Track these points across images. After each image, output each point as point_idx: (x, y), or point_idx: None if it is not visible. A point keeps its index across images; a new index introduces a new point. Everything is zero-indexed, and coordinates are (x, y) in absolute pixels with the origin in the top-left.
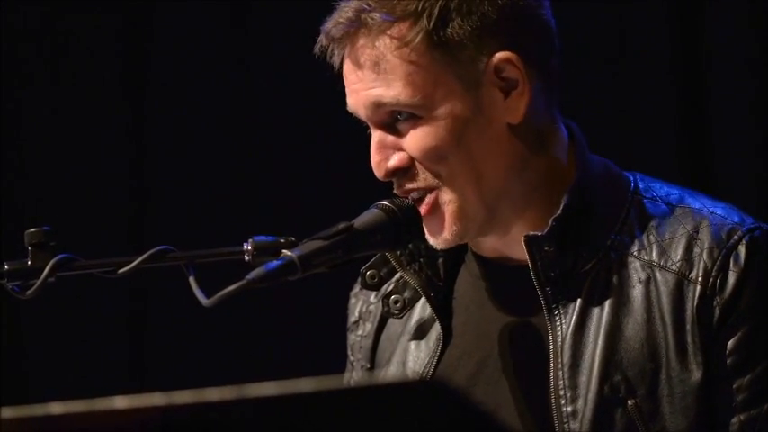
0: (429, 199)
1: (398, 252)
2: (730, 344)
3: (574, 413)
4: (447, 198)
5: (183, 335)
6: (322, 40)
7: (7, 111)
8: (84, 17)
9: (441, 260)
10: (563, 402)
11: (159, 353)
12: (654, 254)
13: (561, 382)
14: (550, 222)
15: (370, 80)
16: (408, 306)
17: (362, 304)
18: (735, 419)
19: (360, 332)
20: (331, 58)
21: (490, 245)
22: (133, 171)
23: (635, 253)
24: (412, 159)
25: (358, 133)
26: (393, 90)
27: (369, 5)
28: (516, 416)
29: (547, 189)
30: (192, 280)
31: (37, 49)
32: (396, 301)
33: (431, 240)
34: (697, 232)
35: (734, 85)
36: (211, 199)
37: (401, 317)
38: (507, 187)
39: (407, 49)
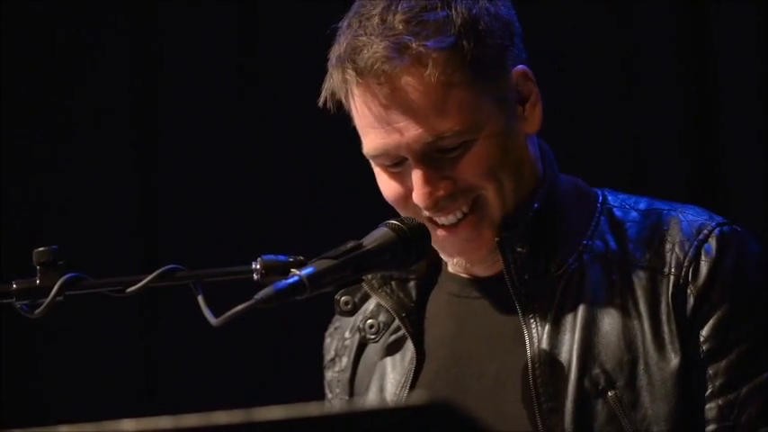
0: (470, 219)
1: (370, 276)
2: (705, 331)
3: (555, 408)
4: (490, 215)
5: (191, 355)
6: (348, 74)
7: (17, 130)
8: (93, 42)
9: (412, 283)
10: (543, 399)
11: (167, 374)
12: (626, 253)
13: (540, 380)
14: (522, 223)
15: (422, 115)
16: (383, 329)
17: (338, 342)
18: (712, 404)
19: (337, 368)
20: (348, 96)
21: None
22: (142, 189)
23: (607, 255)
24: (455, 184)
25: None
26: (448, 122)
27: (407, 36)
28: (498, 419)
29: (527, 200)
30: (200, 299)
31: (46, 67)
32: (371, 326)
33: (457, 259)
34: (668, 230)
35: (743, 97)
36: (220, 217)
37: (377, 341)
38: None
39: (455, 77)
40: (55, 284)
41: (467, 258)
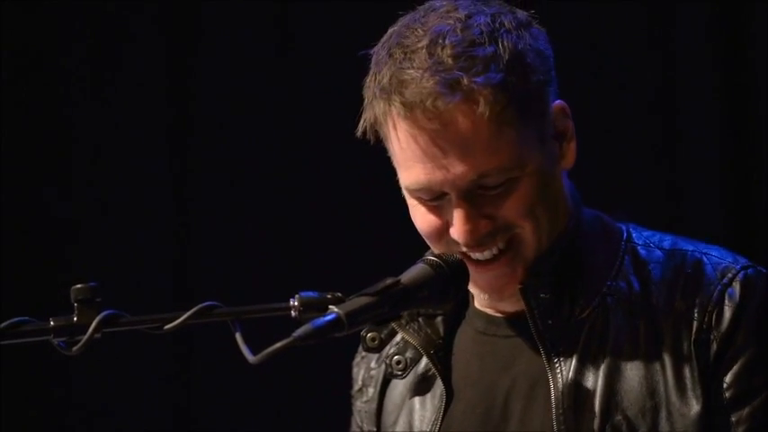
0: (507, 256)
1: None
2: (728, 377)
3: None
4: (525, 252)
5: (229, 391)
6: (395, 106)
7: (55, 168)
8: (127, 75)
9: (439, 319)
10: None
11: (204, 410)
12: (650, 296)
13: (564, 426)
14: (545, 270)
15: (471, 152)
16: (410, 366)
17: (364, 371)
18: None
19: (364, 399)
20: (391, 128)
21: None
22: (179, 226)
23: (631, 297)
24: (495, 221)
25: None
26: (496, 159)
27: (458, 71)
28: None
29: (555, 240)
30: (238, 336)
31: (81, 94)
32: (398, 362)
33: (488, 295)
34: (692, 272)
35: None
36: (257, 253)
37: (404, 377)
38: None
39: (504, 114)
40: (93, 321)
41: (498, 295)
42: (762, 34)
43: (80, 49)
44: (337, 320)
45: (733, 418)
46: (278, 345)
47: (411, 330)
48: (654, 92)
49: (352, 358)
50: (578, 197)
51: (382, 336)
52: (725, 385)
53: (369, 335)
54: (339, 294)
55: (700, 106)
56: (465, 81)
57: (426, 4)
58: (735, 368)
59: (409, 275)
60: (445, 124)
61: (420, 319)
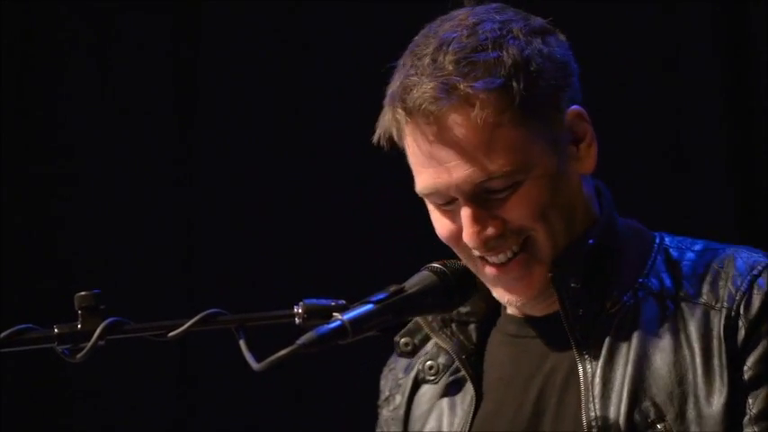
0: (521, 258)
1: (430, 318)
2: (750, 359)
3: None
4: (540, 255)
5: (231, 399)
6: (398, 113)
7: (58, 174)
8: (132, 82)
9: (472, 326)
10: None
11: (207, 416)
12: (681, 290)
13: (593, 414)
14: (575, 259)
15: (471, 155)
16: (443, 371)
17: (391, 382)
18: (749, 431)
19: (391, 407)
20: (401, 134)
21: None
22: (183, 232)
23: (662, 292)
24: (505, 224)
25: (411, 194)
26: (497, 162)
27: (456, 76)
28: None
29: (581, 238)
30: (242, 344)
31: (86, 100)
32: (430, 367)
33: (508, 298)
34: (722, 267)
35: None
36: (261, 260)
37: (437, 382)
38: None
39: (503, 118)
40: (96, 329)
41: (518, 297)
42: (762, 34)
43: (80, 46)
44: (341, 328)
45: (750, 399)
46: (282, 352)
47: (444, 336)
48: (654, 92)
49: (353, 366)
50: (611, 200)
51: (416, 341)
52: (746, 367)
53: (402, 340)
54: (343, 301)
55: (702, 107)
56: (462, 86)
57: (447, 14)
58: (757, 351)
59: (413, 283)
60: (444, 128)
61: (453, 325)
